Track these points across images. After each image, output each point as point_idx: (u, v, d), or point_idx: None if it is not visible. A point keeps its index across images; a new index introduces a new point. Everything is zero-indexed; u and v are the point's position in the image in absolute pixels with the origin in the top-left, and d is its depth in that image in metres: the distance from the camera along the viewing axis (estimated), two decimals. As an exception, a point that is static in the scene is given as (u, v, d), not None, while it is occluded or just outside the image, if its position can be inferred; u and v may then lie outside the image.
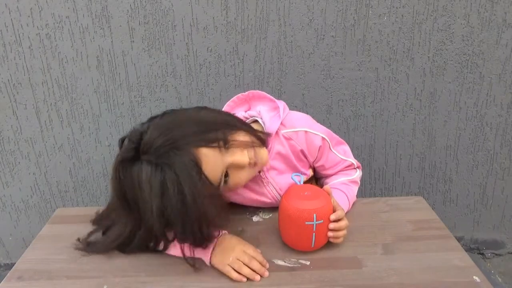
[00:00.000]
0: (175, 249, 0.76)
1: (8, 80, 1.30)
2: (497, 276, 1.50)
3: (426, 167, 1.46)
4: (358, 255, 0.75)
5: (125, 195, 0.71)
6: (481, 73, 1.31)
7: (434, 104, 1.36)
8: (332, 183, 0.92)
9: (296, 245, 0.76)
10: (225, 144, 0.71)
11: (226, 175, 0.72)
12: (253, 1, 1.22)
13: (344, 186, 0.90)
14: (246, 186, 0.84)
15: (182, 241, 0.72)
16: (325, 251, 0.76)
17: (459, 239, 1.53)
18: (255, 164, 0.75)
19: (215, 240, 0.75)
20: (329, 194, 0.76)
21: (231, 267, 0.71)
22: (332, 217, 0.74)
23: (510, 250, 1.60)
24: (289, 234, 0.76)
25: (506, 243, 1.59)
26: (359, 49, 1.28)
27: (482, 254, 1.60)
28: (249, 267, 0.71)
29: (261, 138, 0.80)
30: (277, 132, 0.84)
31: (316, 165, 0.92)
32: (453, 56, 1.29)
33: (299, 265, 0.73)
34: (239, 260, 0.72)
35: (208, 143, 0.69)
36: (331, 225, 0.74)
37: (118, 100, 1.34)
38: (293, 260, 0.74)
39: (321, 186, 1.02)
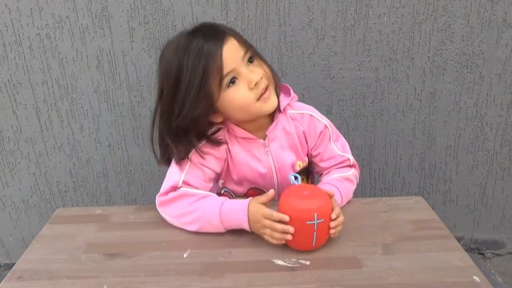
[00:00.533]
0: (214, 224, 0.79)
1: (8, 80, 1.30)
2: (497, 276, 1.50)
3: (426, 167, 1.46)
4: (358, 255, 0.75)
5: (166, 70, 0.81)
6: (481, 73, 1.31)
7: (434, 104, 1.36)
8: (325, 179, 0.93)
9: (297, 245, 0.76)
10: (250, 58, 0.81)
11: (233, 81, 0.79)
12: (253, 1, 1.22)
13: (337, 182, 0.91)
14: (246, 148, 0.89)
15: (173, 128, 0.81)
16: (325, 251, 0.76)
17: (459, 239, 1.53)
18: (261, 94, 0.81)
19: (246, 209, 0.78)
20: (330, 196, 0.77)
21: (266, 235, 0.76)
22: (333, 215, 0.75)
23: (510, 250, 1.60)
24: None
25: (506, 243, 1.59)
26: (359, 49, 1.28)
27: (482, 254, 1.60)
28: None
29: (278, 86, 0.88)
30: (285, 111, 0.90)
31: (314, 153, 0.95)
32: (453, 56, 1.29)
33: (299, 265, 0.73)
34: (269, 229, 0.75)
35: (240, 41, 0.80)
36: (333, 224, 0.74)
37: (118, 100, 1.34)
38: (293, 260, 0.74)
39: (313, 183, 1.04)
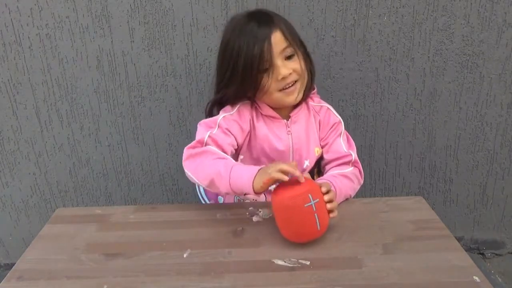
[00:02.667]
0: (222, 178, 0.82)
1: (8, 80, 1.30)
2: (497, 276, 1.50)
3: (426, 167, 1.46)
4: (358, 255, 0.75)
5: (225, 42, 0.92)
6: (481, 73, 1.31)
7: (434, 104, 1.36)
8: (327, 175, 0.97)
9: (303, 235, 0.76)
10: (289, 53, 0.89)
11: (266, 69, 0.87)
12: (253, 1, 1.22)
13: (331, 177, 0.93)
14: (269, 126, 0.96)
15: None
16: (325, 251, 0.76)
17: (459, 239, 1.53)
18: (285, 87, 0.89)
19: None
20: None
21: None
22: (324, 189, 0.77)
23: (510, 250, 1.60)
24: (291, 226, 0.76)
25: (506, 243, 1.59)
26: (359, 49, 1.28)
27: (482, 254, 1.60)
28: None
29: (309, 84, 0.96)
30: (307, 102, 1.00)
31: (323, 143, 1.01)
32: (453, 56, 1.29)
33: (299, 265, 0.73)
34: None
35: (286, 34, 0.88)
36: (326, 197, 0.77)
37: (118, 100, 1.34)
38: (293, 260, 0.74)
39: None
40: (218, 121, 0.93)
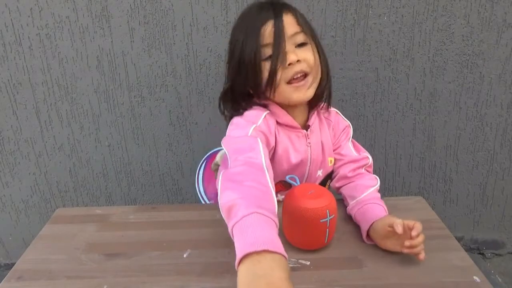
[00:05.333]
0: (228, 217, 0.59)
1: (8, 80, 1.30)
2: (497, 276, 1.50)
3: (426, 167, 1.46)
4: (358, 255, 0.75)
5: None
6: (481, 73, 1.31)
7: (434, 104, 1.36)
8: (367, 195, 0.84)
9: (310, 244, 0.76)
10: (302, 40, 0.79)
11: (273, 57, 0.76)
12: (253, 1, 1.21)
13: (379, 200, 0.84)
14: (288, 137, 0.85)
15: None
16: (325, 251, 0.76)
17: (459, 239, 1.53)
18: (293, 78, 0.78)
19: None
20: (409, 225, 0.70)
21: None
22: (414, 233, 0.68)
23: (510, 250, 1.60)
24: (299, 234, 0.76)
25: (506, 243, 1.59)
26: (359, 49, 1.28)
27: (482, 254, 1.60)
28: None
29: (322, 82, 0.84)
30: (317, 109, 0.90)
31: (335, 147, 0.93)
32: (453, 56, 1.29)
33: (299, 265, 0.73)
34: None
35: (299, 20, 0.79)
36: (416, 242, 0.67)
37: (118, 100, 1.34)
38: (293, 260, 0.74)
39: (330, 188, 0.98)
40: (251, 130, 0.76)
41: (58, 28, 1.24)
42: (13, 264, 0.76)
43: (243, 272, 0.50)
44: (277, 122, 0.83)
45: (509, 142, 1.41)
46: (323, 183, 0.94)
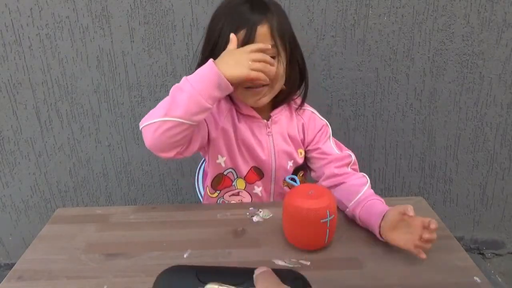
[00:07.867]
0: (184, 92, 0.79)
1: (8, 80, 1.30)
2: (497, 276, 1.50)
3: (426, 167, 1.46)
4: (358, 255, 0.75)
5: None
6: (481, 73, 1.31)
7: (434, 104, 1.36)
8: (364, 193, 0.87)
9: (310, 245, 0.76)
10: (270, 55, 0.79)
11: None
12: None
13: (378, 196, 0.86)
14: (249, 126, 0.90)
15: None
16: (325, 251, 0.76)
17: (459, 239, 1.53)
18: (252, 85, 0.81)
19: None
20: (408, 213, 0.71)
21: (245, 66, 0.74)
22: (433, 226, 0.67)
23: (510, 250, 1.60)
24: (299, 235, 0.76)
25: (506, 243, 1.59)
26: (359, 49, 1.28)
27: (482, 254, 1.60)
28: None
29: (284, 91, 0.89)
30: (290, 105, 0.94)
31: (312, 147, 0.94)
32: (453, 56, 1.29)
33: (299, 265, 0.73)
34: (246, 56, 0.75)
35: (274, 32, 0.80)
36: (427, 235, 0.68)
37: (118, 100, 1.34)
38: (293, 260, 0.74)
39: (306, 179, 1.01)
40: None
41: (58, 28, 1.24)
42: (13, 264, 0.76)
43: (222, 58, 0.76)
44: (240, 112, 0.90)
45: (509, 142, 1.41)
46: (294, 174, 0.96)
